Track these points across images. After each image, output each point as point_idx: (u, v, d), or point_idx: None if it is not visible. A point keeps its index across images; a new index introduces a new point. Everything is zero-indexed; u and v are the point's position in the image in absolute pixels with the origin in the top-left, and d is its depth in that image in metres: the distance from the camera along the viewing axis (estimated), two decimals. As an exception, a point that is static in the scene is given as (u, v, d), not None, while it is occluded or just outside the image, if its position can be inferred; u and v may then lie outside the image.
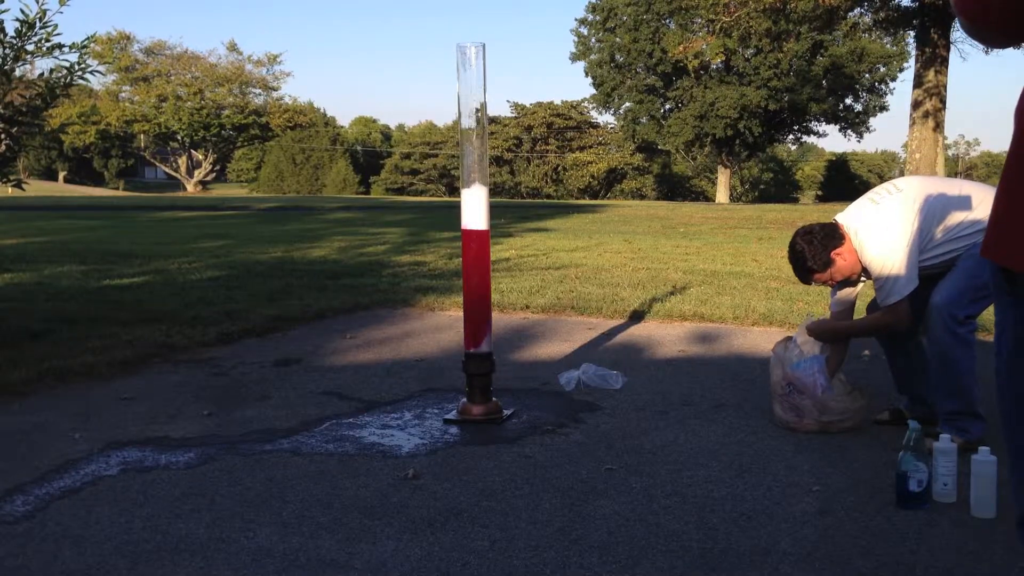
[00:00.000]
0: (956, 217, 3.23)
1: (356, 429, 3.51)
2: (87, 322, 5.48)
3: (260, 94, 59.25)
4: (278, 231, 14.35)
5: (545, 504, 2.73)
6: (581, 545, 2.43)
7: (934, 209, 3.24)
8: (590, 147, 53.86)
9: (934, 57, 18.78)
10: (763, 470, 3.05)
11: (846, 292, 3.57)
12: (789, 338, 3.61)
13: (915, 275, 3.24)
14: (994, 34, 1.28)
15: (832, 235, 3.33)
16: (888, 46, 40.06)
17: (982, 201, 3.21)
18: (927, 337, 3.26)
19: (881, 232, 3.25)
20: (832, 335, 3.55)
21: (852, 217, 3.38)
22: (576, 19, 61.07)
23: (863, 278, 3.46)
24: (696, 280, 7.71)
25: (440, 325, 5.82)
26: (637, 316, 6.09)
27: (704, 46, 23.61)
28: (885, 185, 3.44)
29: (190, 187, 59.44)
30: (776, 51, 31.90)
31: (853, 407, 3.47)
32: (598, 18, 43.87)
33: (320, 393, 4.07)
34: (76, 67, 5.02)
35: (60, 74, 5.06)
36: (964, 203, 3.23)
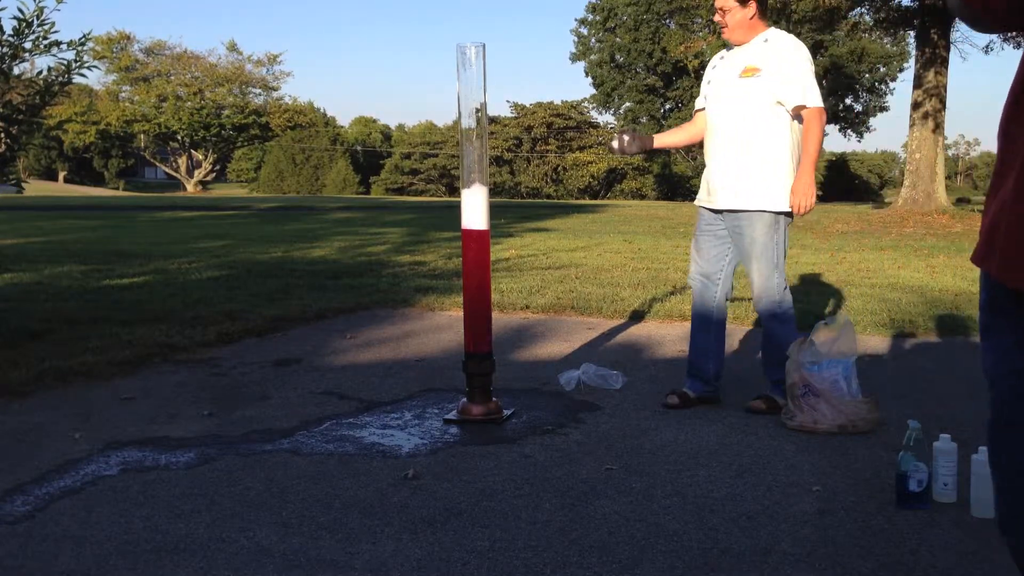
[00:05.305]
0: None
1: (356, 429, 3.51)
2: (87, 322, 5.48)
3: (260, 94, 59.36)
4: (278, 231, 14.34)
5: (545, 504, 2.73)
6: (581, 545, 2.43)
7: None
8: (590, 147, 53.79)
9: (934, 58, 18.75)
10: (763, 470, 3.05)
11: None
12: (805, 339, 3.60)
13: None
14: (991, 23, 1.28)
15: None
16: (888, 46, 40.12)
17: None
18: (760, 316, 3.86)
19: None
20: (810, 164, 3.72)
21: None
22: (576, 19, 61.12)
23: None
24: (696, 280, 7.69)
25: (440, 325, 5.82)
26: (637, 316, 6.08)
27: (704, 46, 23.60)
28: None
29: (190, 187, 59.42)
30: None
31: (869, 416, 3.47)
32: (598, 18, 43.92)
33: (320, 393, 4.06)
34: (73, 64, 5.02)
35: (58, 72, 5.05)
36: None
